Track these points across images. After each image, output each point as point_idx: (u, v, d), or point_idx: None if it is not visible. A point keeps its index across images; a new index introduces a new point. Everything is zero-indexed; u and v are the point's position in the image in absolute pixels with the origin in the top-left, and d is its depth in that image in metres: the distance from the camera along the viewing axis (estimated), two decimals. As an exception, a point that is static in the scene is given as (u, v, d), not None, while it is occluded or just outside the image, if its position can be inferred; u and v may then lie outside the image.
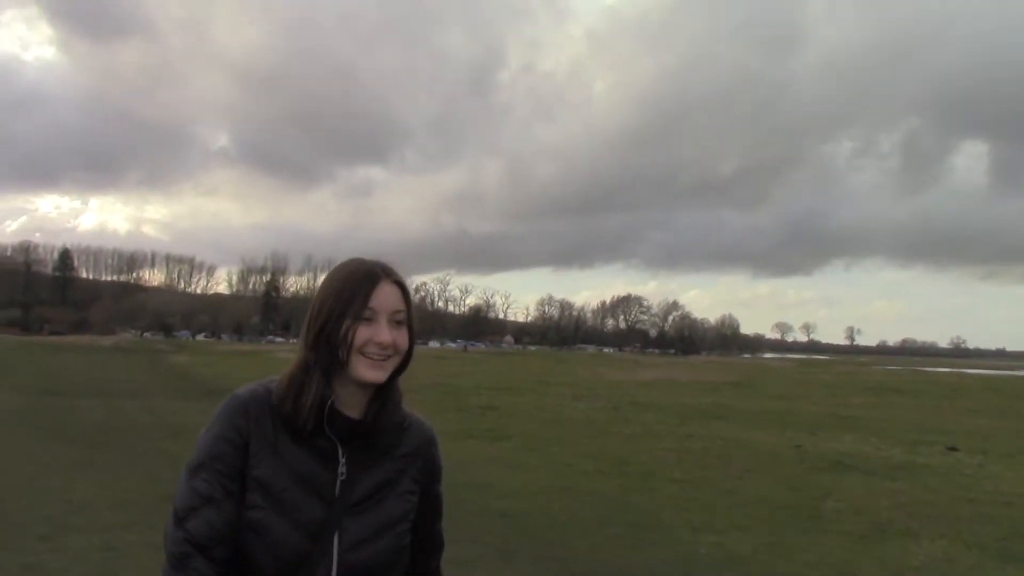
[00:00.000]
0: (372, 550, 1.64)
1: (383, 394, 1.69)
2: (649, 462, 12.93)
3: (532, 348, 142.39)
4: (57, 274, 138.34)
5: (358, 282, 1.65)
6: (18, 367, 33.98)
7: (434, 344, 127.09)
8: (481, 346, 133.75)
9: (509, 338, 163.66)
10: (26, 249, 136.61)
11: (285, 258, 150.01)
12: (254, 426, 1.63)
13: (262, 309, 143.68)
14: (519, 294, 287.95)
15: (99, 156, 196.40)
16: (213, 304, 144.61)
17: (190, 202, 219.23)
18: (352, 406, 1.67)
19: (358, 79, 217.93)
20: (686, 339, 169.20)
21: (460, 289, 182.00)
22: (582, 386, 32.33)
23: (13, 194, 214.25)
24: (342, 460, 1.65)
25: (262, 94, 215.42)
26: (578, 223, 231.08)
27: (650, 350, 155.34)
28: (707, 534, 8.17)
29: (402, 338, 1.66)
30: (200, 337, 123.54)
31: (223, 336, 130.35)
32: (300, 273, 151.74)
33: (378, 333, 1.62)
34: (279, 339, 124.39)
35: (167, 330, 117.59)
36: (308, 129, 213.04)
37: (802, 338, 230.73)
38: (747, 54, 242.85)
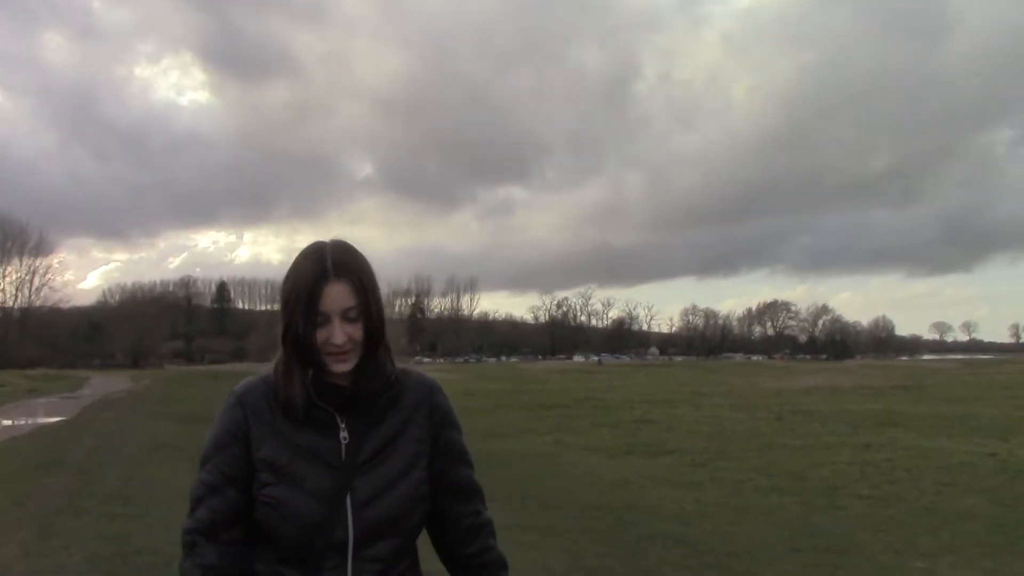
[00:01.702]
0: (386, 502, 1.71)
1: (363, 365, 1.74)
2: (829, 476, 11.85)
3: (678, 359, 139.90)
4: (215, 306, 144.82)
5: (306, 286, 1.68)
6: (178, 397, 35.22)
7: (579, 358, 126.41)
8: (626, 358, 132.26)
9: (654, 349, 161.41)
10: (187, 284, 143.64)
11: (428, 280, 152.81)
12: (251, 414, 1.76)
13: (408, 331, 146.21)
14: (662, 305, 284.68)
15: (252, 191, 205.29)
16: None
17: (338, 230, 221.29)
18: (342, 378, 1.74)
19: (495, 100, 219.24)
20: (838, 343, 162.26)
21: (602, 302, 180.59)
22: (738, 396, 30.98)
23: (175, 232, 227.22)
24: (342, 426, 1.73)
25: (403, 121, 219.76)
26: (721, 230, 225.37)
27: (801, 356, 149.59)
28: (913, 559, 7.18)
29: (356, 331, 1.70)
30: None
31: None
32: (444, 294, 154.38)
33: (332, 335, 1.68)
34: (427, 359, 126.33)
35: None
36: (448, 153, 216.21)
37: (962, 338, 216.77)
38: (892, 46, 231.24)
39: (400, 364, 1.87)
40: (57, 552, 7.17)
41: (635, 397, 30.18)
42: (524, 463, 13.72)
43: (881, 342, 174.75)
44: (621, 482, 11.71)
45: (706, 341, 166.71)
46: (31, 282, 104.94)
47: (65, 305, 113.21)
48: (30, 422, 23.07)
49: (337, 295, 1.68)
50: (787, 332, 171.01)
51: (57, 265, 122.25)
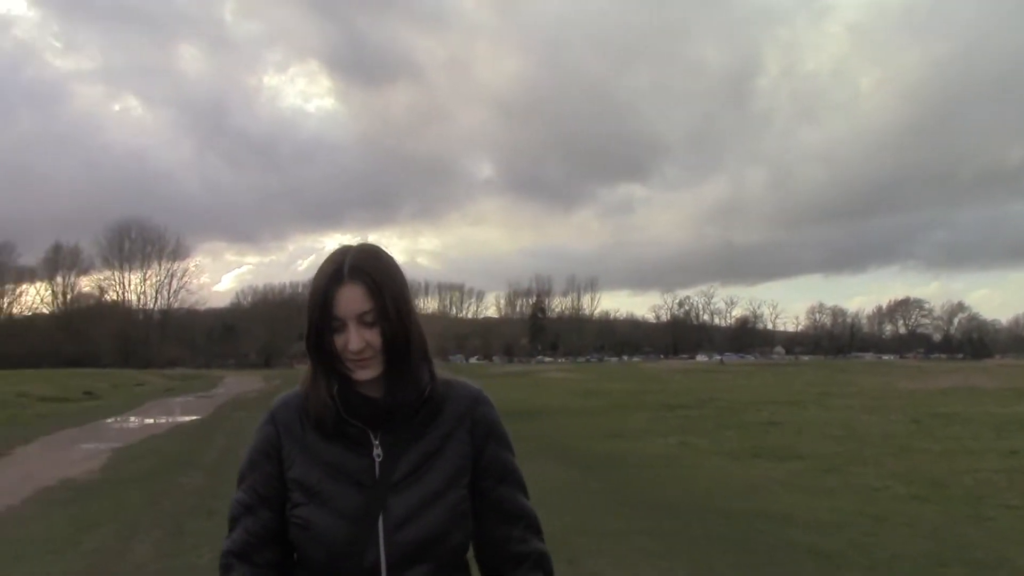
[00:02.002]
0: (421, 524, 1.61)
1: (395, 372, 1.67)
2: (973, 485, 11.17)
3: (805, 358, 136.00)
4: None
5: (322, 290, 1.63)
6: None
7: (702, 358, 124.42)
8: (750, 358, 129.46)
9: (780, 348, 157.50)
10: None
11: (549, 280, 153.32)
12: (283, 431, 1.71)
13: (530, 331, 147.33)
14: (787, 303, 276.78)
15: (376, 194, 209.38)
16: (484, 328, 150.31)
17: (459, 231, 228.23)
18: (374, 389, 1.68)
19: (614, 99, 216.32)
20: (975, 342, 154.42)
21: (725, 301, 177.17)
22: (870, 397, 29.70)
23: (304, 235, 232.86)
24: (375, 443, 1.65)
25: (522, 123, 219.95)
26: (848, 227, 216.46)
27: (936, 355, 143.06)
28: (1074, 577, 6.67)
29: (375, 337, 1.63)
30: (473, 360, 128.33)
31: (494, 358, 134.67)
32: (564, 294, 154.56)
33: (350, 341, 1.61)
34: (547, 359, 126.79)
35: (443, 355, 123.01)
36: (568, 152, 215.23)
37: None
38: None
39: (443, 374, 1.78)
40: (188, 552, 7.38)
41: (761, 398, 29.36)
42: (647, 465, 13.48)
43: (1022, 341, 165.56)
44: (749, 487, 11.33)
45: (834, 340, 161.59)
46: (169, 285, 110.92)
47: (201, 307, 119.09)
48: (168, 421, 24.12)
49: (351, 298, 1.62)
50: (920, 330, 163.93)
51: (193, 268, 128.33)
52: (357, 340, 1.61)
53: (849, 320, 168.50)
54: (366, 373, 1.64)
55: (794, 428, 19.20)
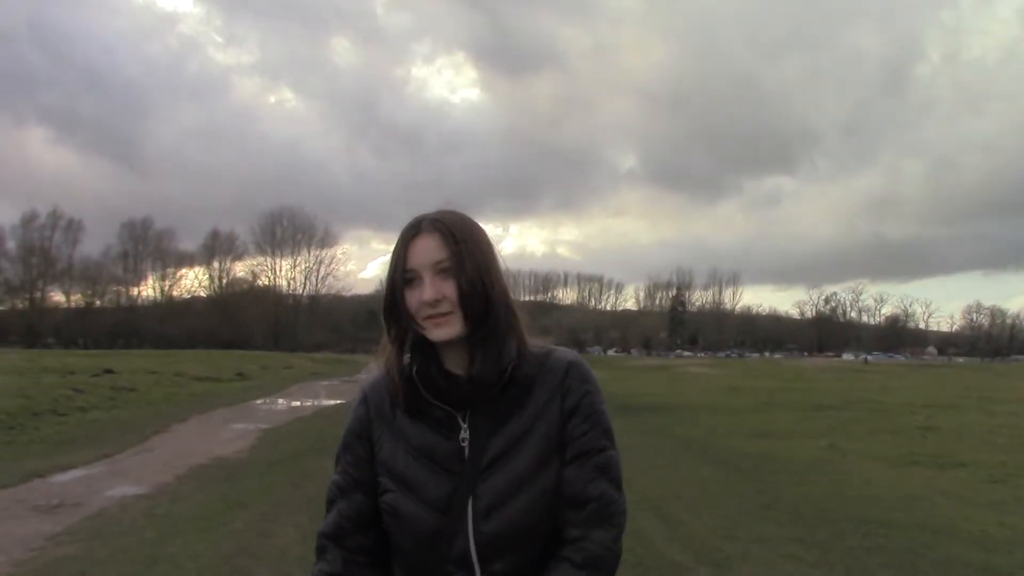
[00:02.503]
0: (509, 512, 1.53)
1: (478, 339, 1.57)
2: None
3: (959, 360, 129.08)
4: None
5: (399, 245, 1.59)
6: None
7: (847, 356, 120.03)
8: (900, 358, 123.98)
9: (932, 349, 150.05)
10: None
11: (690, 273, 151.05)
12: (374, 412, 1.67)
13: (669, 324, 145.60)
14: (942, 302, 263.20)
15: (518, 185, 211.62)
16: (622, 320, 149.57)
17: (600, 223, 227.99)
18: (458, 364, 1.60)
19: (763, 89, 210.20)
20: None
21: (875, 298, 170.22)
22: (1038, 403, 27.84)
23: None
24: (463, 426, 1.58)
25: (668, 113, 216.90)
26: (1011, 222, 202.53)
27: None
28: None
29: (450, 289, 1.54)
30: (611, 352, 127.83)
31: (632, 351, 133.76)
32: (705, 287, 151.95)
33: (424, 291, 1.54)
34: (687, 353, 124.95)
35: (580, 346, 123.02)
36: (714, 144, 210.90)
37: None
38: None
39: (538, 343, 1.69)
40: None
41: (915, 400, 27.86)
42: (797, 469, 12.96)
43: None
44: (908, 496, 10.70)
45: (991, 341, 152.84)
46: (317, 271, 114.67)
47: (347, 293, 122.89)
48: (313, 403, 24.87)
49: (426, 247, 1.56)
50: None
51: (340, 256, 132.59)
52: (432, 289, 1.54)
53: (1009, 321, 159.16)
54: (443, 332, 1.56)
55: (953, 434, 18.12)
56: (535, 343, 1.68)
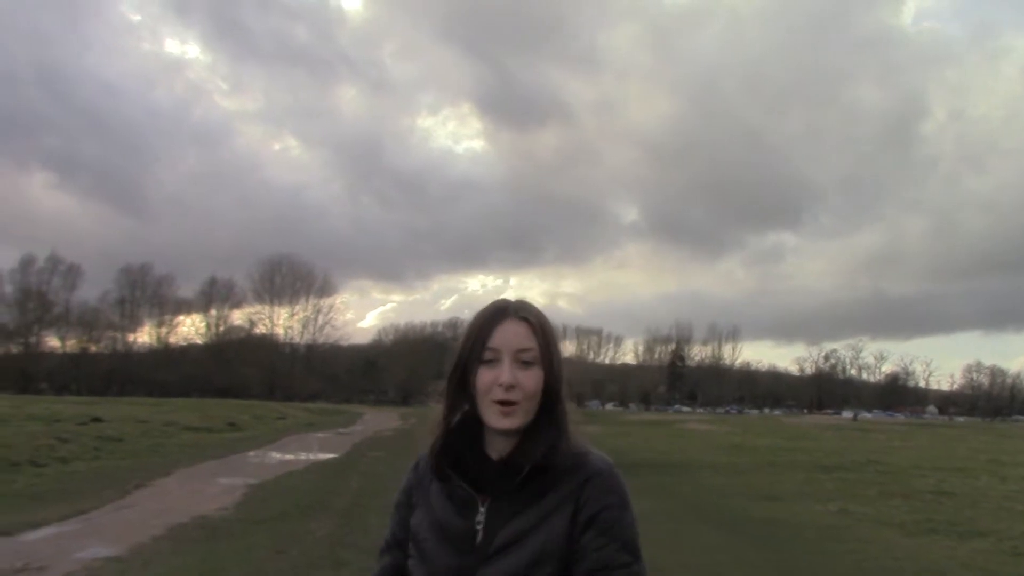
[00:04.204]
0: None
1: (528, 434, 1.59)
2: None
3: (959, 419, 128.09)
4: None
5: (482, 323, 1.62)
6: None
7: (847, 414, 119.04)
8: (900, 416, 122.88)
9: (932, 408, 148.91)
10: (454, 325, 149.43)
11: (689, 327, 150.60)
12: (417, 480, 1.74)
13: (668, 378, 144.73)
14: (942, 360, 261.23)
15: (520, 236, 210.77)
16: (620, 374, 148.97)
17: (601, 275, 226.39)
18: (499, 450, 1.61)
19: (766, 143, 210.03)
20: None
21: (875, 356, 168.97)
22: (1049, 467, 27.08)
23: (448, 275, 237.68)
24: (481, 509, 1.60)
25: (671, 166, 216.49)
26: (1013, 281, 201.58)
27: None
28: None
29: (529, 379, 1.57)
30: (609, 406, 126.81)
31: (631, 405, 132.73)
32: (705, 342, 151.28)
33: (500, 374, 1.56)
34: (685, 408, 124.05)
35: (578, 400, 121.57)
36: (717, 198, 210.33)
37: None
38: None
39: (581, 444, 1.65)
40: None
41: (924, 463, 27.12)
42: (811, 536, 12.30)
43: None
44: (931, 569, 10.07)
45: (992, 401, 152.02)
46: (315, 320, 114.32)
47: (344, 343, 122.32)
48: (305, 457, 24.16)
49: (511, 333, 1.59)
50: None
51: (339, 305, 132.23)
52: (509, 374, 1.55)
53: (1010, 381, 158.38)
54: (510, 421, 1.57)
55: (968, 500, 17.43)
56: (577, 441, 1.65)
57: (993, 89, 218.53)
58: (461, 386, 1.63)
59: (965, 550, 11.64)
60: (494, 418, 1.58)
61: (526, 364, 1.58)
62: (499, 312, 1.62)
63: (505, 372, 1.56)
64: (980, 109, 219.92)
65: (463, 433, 1.64)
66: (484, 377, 1.58)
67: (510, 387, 1.55)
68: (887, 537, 12.58)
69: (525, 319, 1.61)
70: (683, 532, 12.00)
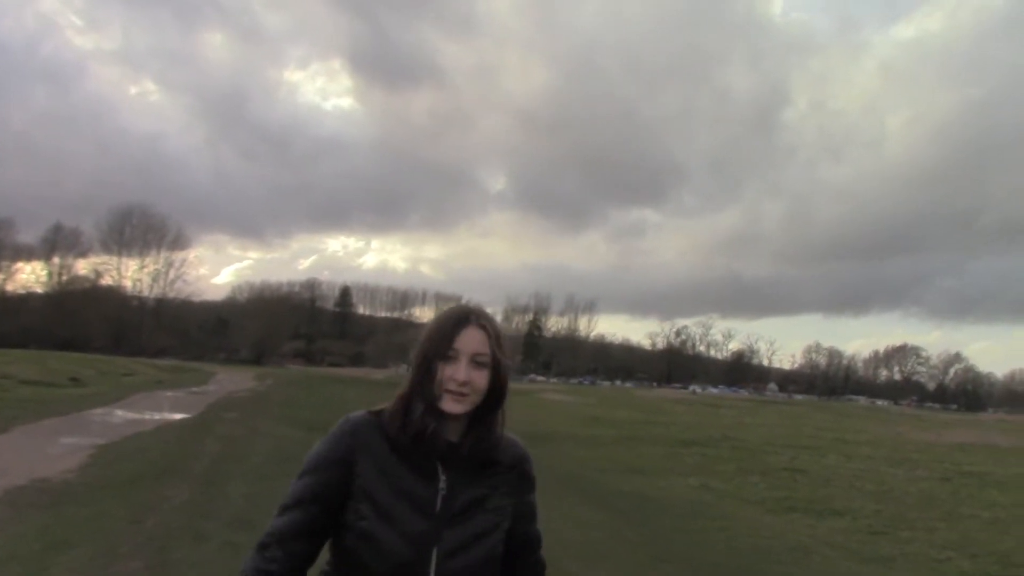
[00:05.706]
0: (467, 558, 1.83)
1: (478, 423, 1.90)
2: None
3: (798, 397, 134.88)
4: (337, 309, 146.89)
5: (448, 325, 1.89)
6: (301, 400, 34.97)
7: (695, 388, 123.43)
8: (744, 392, 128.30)
9: (773, 386, 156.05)
10: (312, 286, 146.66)
11: (548, 298, 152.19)
12: (360, 446, 1.86)
13: (524, 348, 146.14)
14: (786, 340, 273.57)
15: (385, 199, 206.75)
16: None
17: (466, 243, 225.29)
18: (452, 431, 1.89)
19: (638, 120, 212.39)
20: (969, 394, 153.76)
21: (723, 333, 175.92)
22: (886, 447, 28.42)
23: (309, 235, 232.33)
24: (442, 478, 1.86)
25: (543, 137, 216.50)
26: (858, 268, 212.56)
27: (929, 405, 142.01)
28: None
29: (480, 379, 1.86)
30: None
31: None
32: (562, 313, 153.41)
33: (457, 371, 1.84)
34: (539, 377, 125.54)
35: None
36: (585, 171, 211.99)
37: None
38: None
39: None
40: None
41: (775, 439, 28.17)
42: (679, 512, 12.43)
43: (1017, 396, 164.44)
44: (798, 548, 10.28)
45: (828, 381, 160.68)
46: (167, 274, 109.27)
47: (197, 299, 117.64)
48: (156, 417, 22.91)
49: (472, 338, 1.87)
50: (915, 378, 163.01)
51: (193, 259, 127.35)
52: (464, 373, 1.84)
53: (845, 362, 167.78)
54: (456, 407, 1.85)
55: (821, 478, 18.12)
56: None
57: (853, 82, 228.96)
58: (425, 372, 1.86)
59: (824, 528, 12.01)
60: (448, 404, 1.84)
61: (479, 365, 1.86)
62: (463, 318, 1.89)
63: (461, 370, 1.84)
64: (840, 101, 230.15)
65: (432, 416, 1.86)
66: (444, 371, 1.84)
67: (464, 383, 1.83)
68: (751, 515, 12.85)
69: (483, 327, 1.88)
70: (555, 506, 11.85)
